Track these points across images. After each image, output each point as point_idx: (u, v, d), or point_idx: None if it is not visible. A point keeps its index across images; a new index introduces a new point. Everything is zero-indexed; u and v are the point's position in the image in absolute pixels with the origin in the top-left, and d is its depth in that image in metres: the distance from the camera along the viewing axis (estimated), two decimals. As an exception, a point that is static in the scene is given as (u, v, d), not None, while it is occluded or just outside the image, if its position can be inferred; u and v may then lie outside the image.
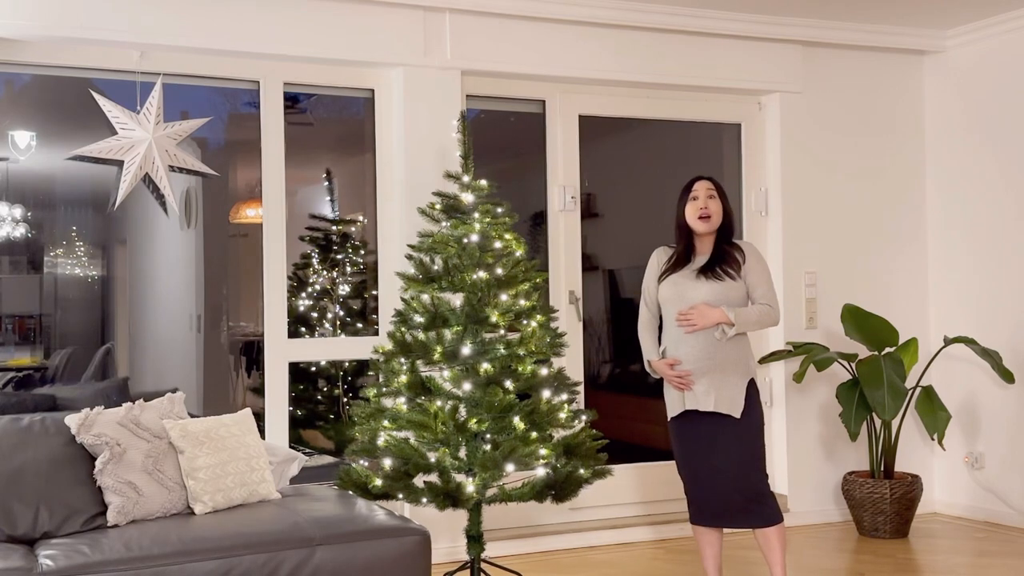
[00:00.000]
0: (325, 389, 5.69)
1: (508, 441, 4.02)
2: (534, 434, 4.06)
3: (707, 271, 4.06)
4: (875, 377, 5.27)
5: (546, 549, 5.22)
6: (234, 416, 3.89)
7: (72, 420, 3.62)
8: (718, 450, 4.01)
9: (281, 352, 4.97)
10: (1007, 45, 5.73)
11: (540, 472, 4.16)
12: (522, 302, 4.23)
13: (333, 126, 5.71)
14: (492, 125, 5.59)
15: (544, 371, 4.23)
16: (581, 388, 4.60)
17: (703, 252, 4.13)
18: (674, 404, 4.11)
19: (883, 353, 5.45)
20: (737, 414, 3.99)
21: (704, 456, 4.05)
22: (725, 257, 4.09)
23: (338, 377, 5.66)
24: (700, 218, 4.09)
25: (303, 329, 5.53)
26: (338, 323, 5.65)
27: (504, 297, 4.19)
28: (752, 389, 4.06)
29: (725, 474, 4.01)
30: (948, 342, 5.54)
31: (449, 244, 4.24)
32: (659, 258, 4.23)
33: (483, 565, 4.29)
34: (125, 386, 4.55)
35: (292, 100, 5.12)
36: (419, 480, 4.16)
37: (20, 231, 5.62)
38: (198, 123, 4.77)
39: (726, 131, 5.98)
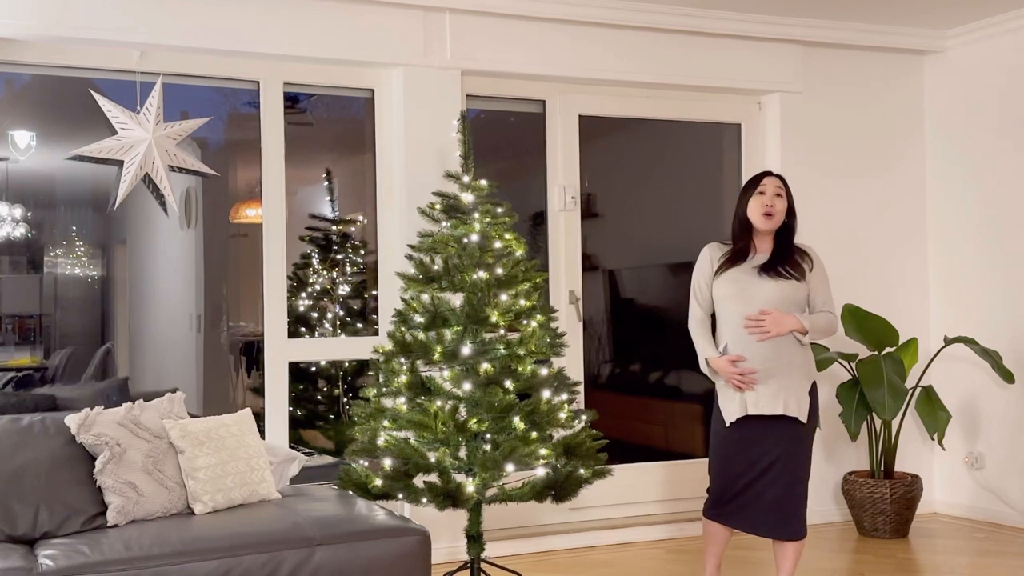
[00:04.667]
0: (325, 389, 5.69)
1: (508, 441, 4.01)
2: (534, 434, 4.06)
3: (770, 269, 3.92)
4: (875, 377, 5.27)
5: (546, 549, 5.22)
6: (234, 416, 3.89)
7: (72, 420, 3.62)
8: (776, 454, 3.88)
9: (281, 352, 4.97)
10: (1007, 45, 5.73)
11: (540, 472, 4.16)
12: (522, 302, 4.23)
13: (333, 126, 5.71)
14: (492, 125, 5.59)
15: (544, 371, 4.23)
16: (581, 388, 4.60)
17: (763, 250, 3.99)
18: (734, 408, 3.92)
19: (883, 353, 5.45)
20: (804, 418, 3.89)
21: (758, 459, 3.90)
22: (788, 257, 3.96)
23: (338, 377, 5.66)
24: (765, 215, 3.95)
25: (303, 329, 5.53)
26: (338, 323, 5.65)
27: (504, 297, 4.19)
28: (814, 392, 3.96)
29: (775, 479, 3.89)
30: (948, 342, 5.54)
31: (449, 244, 4.24)
32: (712, 254, 4.06)
33: (483, 565, 4.29)
34: (125, 386, 4.55)
35: (292, 100, 5.12)
36: (419, 480, 4.16)
37: (20, 231, 5.62)
38: (198, 123, 4.77)
39: (726, 131, 5.98)
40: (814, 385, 3.98)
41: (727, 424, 3.96)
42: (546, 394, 4.16)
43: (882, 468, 5.57)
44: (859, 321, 5.55)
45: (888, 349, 5.52)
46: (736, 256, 3.99)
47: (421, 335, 4.18)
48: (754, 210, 3.98)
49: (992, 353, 5.43)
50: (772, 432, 3.90)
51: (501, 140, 5.76)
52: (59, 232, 5.87)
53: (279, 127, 4.97)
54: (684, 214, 5.69)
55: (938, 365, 5.77)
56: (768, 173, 4.08)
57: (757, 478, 3.93)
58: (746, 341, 3.91)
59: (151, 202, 4.78)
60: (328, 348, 5.41)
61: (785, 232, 4.02)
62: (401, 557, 3.47)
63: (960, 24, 5.85)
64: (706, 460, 4.15)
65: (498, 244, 4.26)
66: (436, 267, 4.25)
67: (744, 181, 5.85)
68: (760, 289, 3.91)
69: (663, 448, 5.88)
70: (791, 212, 4.04)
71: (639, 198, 6.03)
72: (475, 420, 4.04)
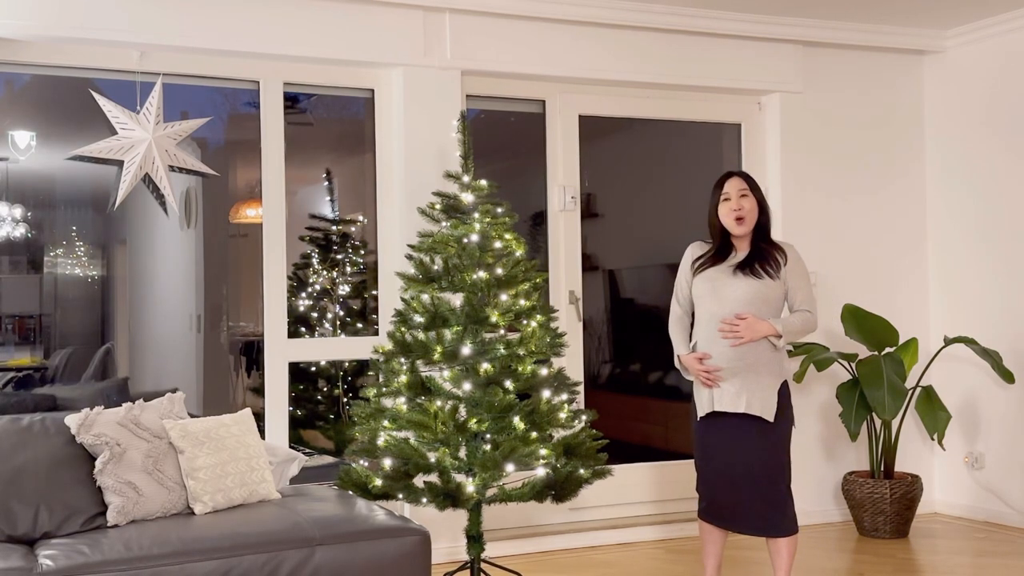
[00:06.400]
0: (325, 389, 5.69)
1: (508, 441, 4.01)
2: (534, 434, 4.06)
3: (745, 267, 3.95)
4: (875, 377, 5.27)
5: (546, 549, 5.22)
6: (234, 416, 3.89)
7: (72, 420, 3.62)
8: (745, 453, 3.93)
9: (281, 352, 4.97)
10: (1007, 45, 5.73)
11: (540, 472, 4.16)
12: (522, 302, 4.23)
13: (333, 126, 5.71)
14: (492, 125, 5.59)
15: (544, 371, 4.23)
16: (581, 388, 4.60)
17: (742, 248, 4.02)
18: (703, 404, 4.01)
19: (883, 353, 5.45)
20: (770, 417, 3.91)
21: (729, 458, 3.96)
22: (764, 254, 3.98)
23: (338, 377, 5.66)
24: (736, 220, 3.97)
25: (303, 329, 5.53)
26: (338, 323, 5.65)
27: (504, 297, 4.19)
28: (784, 391, 3.98)
29: (749, 479, 3.93)
30: (948, 342, 5.54)
31: (449, 244, 4.24)
32: (693, 253, 4.11)
33: (483, 565, 4.29)
34: (125, 386, 4.55)
35: (292, 100, 5.12)
36: (419, 480, 4.16)
37: (20, 231, 5.62)
38: (198, 123, 4.77)
39: (726, 131, 5.98)
40: (784, 384, 4.00)
41: (697, 418, 4.05)
42: (546, 394, 4.16)
43: (882, 468, 5.57)
44: (859, 321, 5.55)
45: (888, 349, 5.52)
46: (715, 256, 4.03)
47: (421, 335, 4.18)
48: (725, 216, 4.01)
49: (992, 353, 5.43)
50: (740, 431, 3.94)
51: (501, 140, 5.76)
52: (59, 232, 5.87)
53: (279, 127, 4.97)
54: (684, 214, 5.69)
55: (938, 365, 5.77)
56: (730, 174, 4.08)
57: (736, 478, 3.96)
58: (713, 339, 3.96)
59: (151, 202, 4.78)
60: (328, 348, 5.41)
61: (759, 230, 4.03)
62: (401, 557, 3.47)
63: (960, 24, 5.85)
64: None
65: (498, 244, 4.26)
66: (436, 267, 4.25)
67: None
68: (734, 288, 3.94)
69: (663, 448, 5.88)
70: (763, 209, 4.04)
71: (639, 198, 6.03)
72: (475, 420, 4.04)
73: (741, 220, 3.97)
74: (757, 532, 4.03)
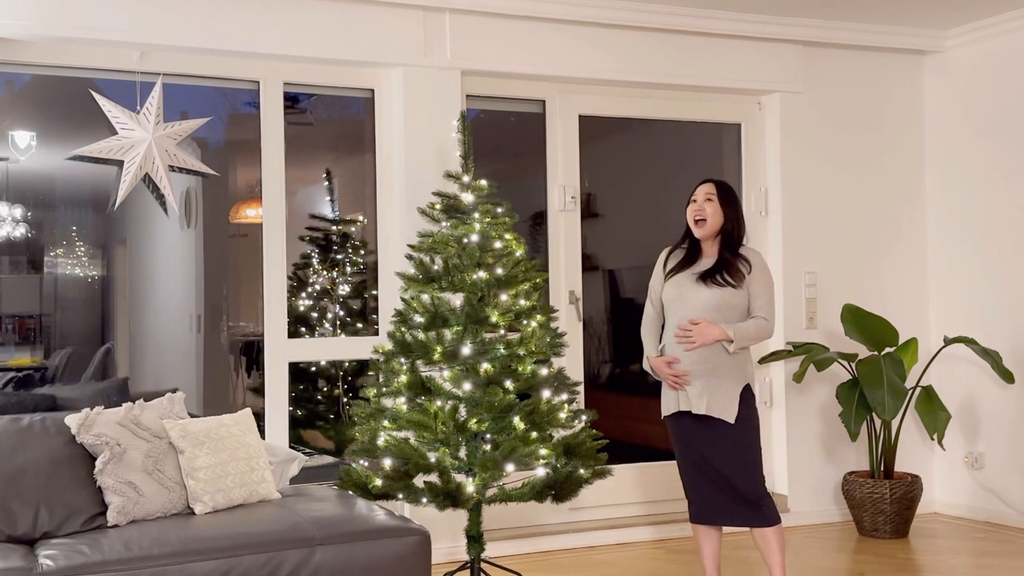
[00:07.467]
0: (325, 389, 5.69)
1: (508, 441, 4.02)
2: (534, 434, 4.06)
3: (709, 277, 4.06)
4: (875, 377, 5.27)
5: (546, 549, 5.22)
6: (234, 416, 3.89)
7: (72, 420, 3.62)
8: (713, 453, 4.03)
9: (281, 352, 4.97)
10: (1007, 45, 5.73)
11: (540, 472, 4.16)
12: (522, 302, 4.23)
13: (333, 126, 5.71)
14: (492, 125, 5.59)
15: (544, 371, 4.23)
16: (581, 388, 4.60)
17: (709, 255, 4.12)
18: (668, 404, 4.13)
19: (883, 353, 5.45)
20: (730, 419, 3.99)
21: (700, 457, 4.07)
22: (729, 265, 4.07)
23: (338, 377, 5.66)
24: (695, 221, 4.11)
25: (303, 329, 5.53)
26: (338, 323, 5.65)
27: (504, 297, 4.20)
28: (747, 394, 4.06)
29: (720, 476, 4.03)
30: (948, 342, 5.54)
31: (449, 244, 4.24)
32: (664, 257, 4.24)
33: (483, 565, 4.29)
34: (125, 386, 4.55)
35: (292, 100, 5.12)
36: (419, 480, 4.16)
37: (20, 231, 5.62)
38: (198, 123, 4.77)
39: (726, 131, 5.98)
40: (747, 388, 4.07)
41: (662, 417, 4.17)
42: (546, 394, 4.16)
43: (882, 468, 5.57)
44: (859, 321, 5.55)
45: (888, 349, 5.52)
46: (684, 261, 4.14)
47: (421, 335, 4.18)
48: (688, 216, 4.14)
49: (992, 353, 5.43)
50: (707, 431, 4.04)
51: (501, 140, 5.76)
52: (59, 232, 5.87)
53: (279, 127, 4.97)
54: (684, 214, 5.72)
55: (938, 365, 5.77)
56: (705, 180, 4.18)
57: (708, 475, 4.06)
58: (679, 344, 4.08)
59: (151, 202, 4.78)
60: (328, 348, 5.41)
61: (727, 241, 4.11)
62: (401, 557, 3.47)
63: (960, 24, 5.85)
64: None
65: (498, 244, 4.26)
66: (436, 267, 4.25)
67: (744, 181, 5.92)
68: (697, 296, 4.06)
69: (663, 448, 5.88)
70: (734, 220, 4.11)
71: (639, 198, 6.03)
72: (475, 420, 4.04)
73: (701, 222, 4.09)
74: (742, 523, 4.10)
